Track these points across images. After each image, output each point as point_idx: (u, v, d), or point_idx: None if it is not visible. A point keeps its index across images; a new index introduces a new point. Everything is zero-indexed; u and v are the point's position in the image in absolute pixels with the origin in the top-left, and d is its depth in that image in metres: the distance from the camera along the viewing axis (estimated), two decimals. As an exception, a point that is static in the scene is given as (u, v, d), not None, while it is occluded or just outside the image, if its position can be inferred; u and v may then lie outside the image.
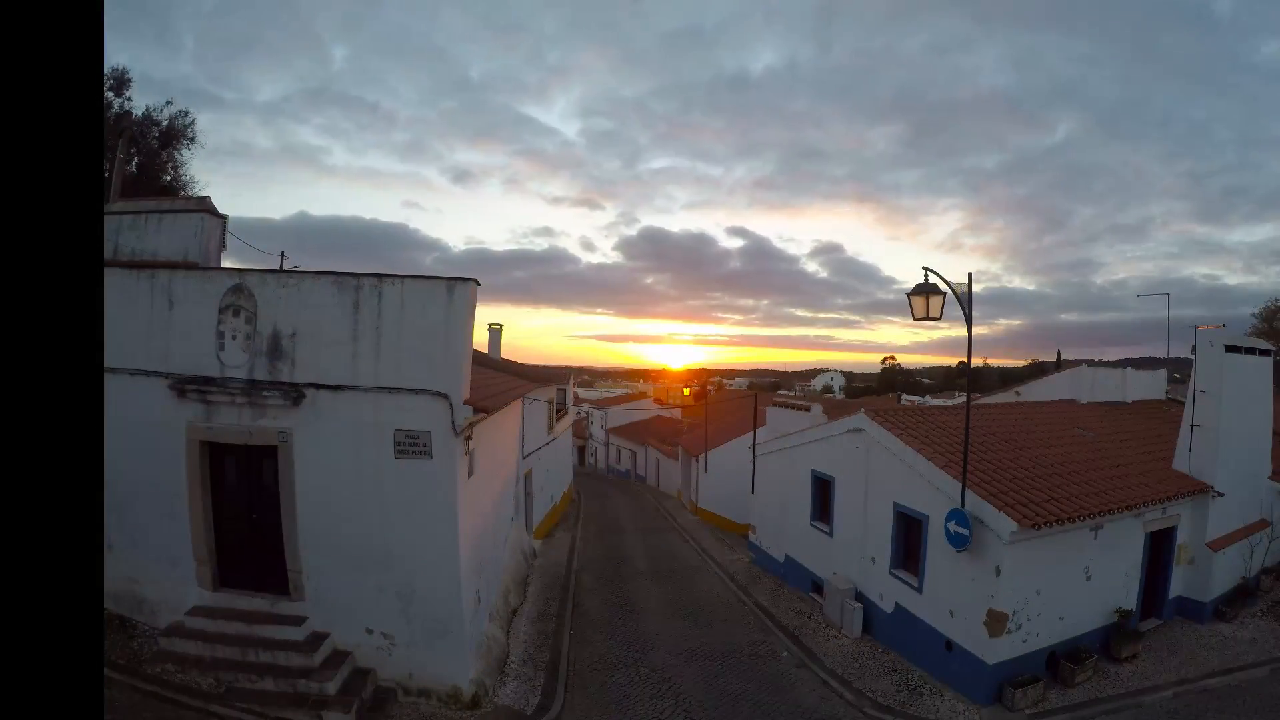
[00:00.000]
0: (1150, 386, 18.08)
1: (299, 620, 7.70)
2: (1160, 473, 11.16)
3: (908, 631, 10.09)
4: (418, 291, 7.61)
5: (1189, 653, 9.78)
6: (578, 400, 45.67)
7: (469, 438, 8.16)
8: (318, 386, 7.66)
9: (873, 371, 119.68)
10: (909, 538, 10.39)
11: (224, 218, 8.51)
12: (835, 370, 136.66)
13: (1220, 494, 10.93)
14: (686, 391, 52.09)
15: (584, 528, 20.92)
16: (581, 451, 45.68)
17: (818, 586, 12.89)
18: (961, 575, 9.00)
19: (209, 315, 7.72)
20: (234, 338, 7.71)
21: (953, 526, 8.74)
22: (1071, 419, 13.75)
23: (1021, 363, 72.17)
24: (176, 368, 7.74)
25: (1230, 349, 11.20)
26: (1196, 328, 11.57)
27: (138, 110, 20.28)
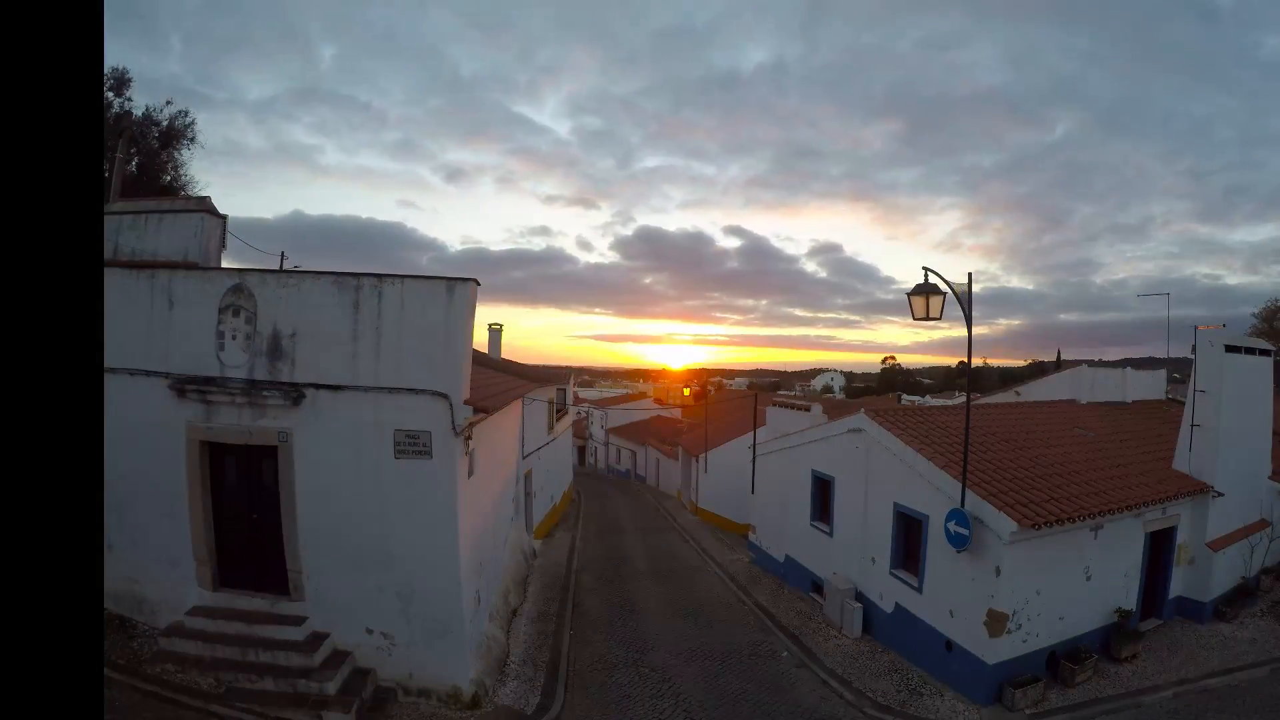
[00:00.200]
0: (1150, 386, 18.08)
1: (299, 620, 7.70)
2: (1160, 473, 11.16)
3: (908, 631, 10.09)
4: (418, 291, 7.61)
5: (1189, 653, 9.78)
6: (578, 400, 45.68)
7: (469, 438, 8.15)
8: (318, 386, 7.66)
9: (873, 371, 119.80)
10: (909, 538, 10.39)
11: (224, 218, 8.51)
12: (835, 370, 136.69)
13: (1220, 494, 10.93)
14: (686, 391, 52.08)
15: (584, 527, 20.93)
16: (581, 451, 45.69)
17: (818, 586, 12.89)
18: (961, 575, 9.00)
19: (209, 315, 7.72)
20: (234, 338, 7.71)
21: (953, 526, 8.74)
22: (1071, 419, 13.75)
23: (1021, 363, 72.22)
24: (176, 368, 7.74)
25: (1230, 349, 11.20)
26: (1196, 328, 11.58)
27: (138, 110, 20.32)
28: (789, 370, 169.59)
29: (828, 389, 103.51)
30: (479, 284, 7.86)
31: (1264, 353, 11.98)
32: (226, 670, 7.19)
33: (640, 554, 17.43)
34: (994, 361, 75.70)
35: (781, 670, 9.82)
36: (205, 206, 8.22)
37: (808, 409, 16.04)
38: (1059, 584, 8.99)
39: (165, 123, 21.14)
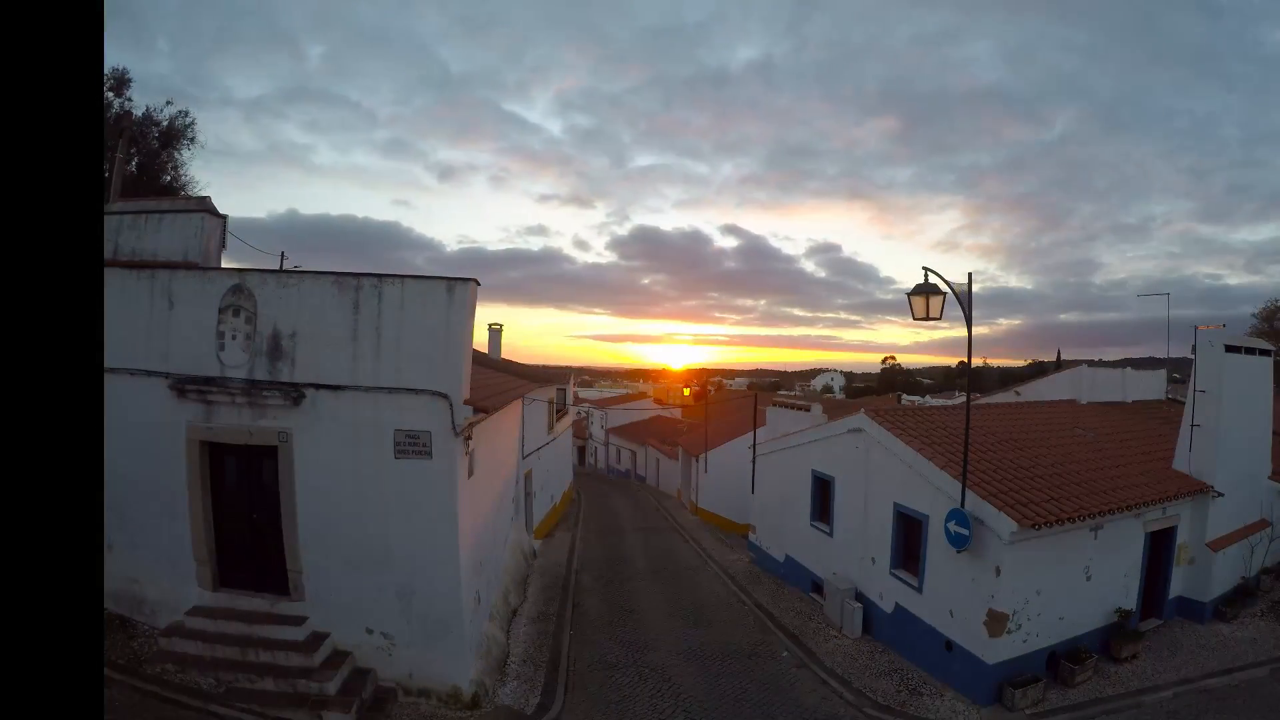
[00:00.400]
0: (1150, 386, 18.08)
1: (299, 620, 7.71)
2: (1160, 473, 11.16)
3: (908, 631, 10.09)
4: (418, 291, 7.61)
5: (1189, 653, 9.78)
6: (578, 400, 45.67)
7: (469, 438, 8.16)
8: (318, 386, 7.66)
9: (873, 371, 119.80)
10: (909, 538, 10.39)
11: (224, 218, 8.51)
12: (835, 370, 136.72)
13: (1220, 494, 10.92)
14: (686, 391, 52.11)
15: (584, 527, 20.92)
16: (581, 451, 45.69)
17: (818, 586, 12.89)
18: (961, 575, 9.00)
19: (209, 315, 7.72)
20: (234, 338, 7.71)
21: (953, 526, 8.74)
22: (1071, 419, 13.75)
23: (1021, 363, 72.25)
24: (176, 368, 7.74)
25: (1230, 349, 11.20)
26: (1196, 328, 11.58)
27: (138, 110, 20.33)
28: (789, 370, 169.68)
29: (828, 389, 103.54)
30: (479, 284, 7.87)
31: (1264, 353, 11.98)
32: (226, 670, 7.19)
33: (640, 554, 17.43)
34: (994, 361, 75.79)
35: (781, 670, 9.82)
36: (205, 206, 8.23)
37: (808, 409, 16.03)
38: (1059, 584, 8.99)
39: (165, 123, 21.17)
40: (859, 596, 11.41)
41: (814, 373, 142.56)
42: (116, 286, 7.61)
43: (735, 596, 13.53)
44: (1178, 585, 10.97)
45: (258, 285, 7.76)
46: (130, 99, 19.81)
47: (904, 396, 52.55)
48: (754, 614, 12.40)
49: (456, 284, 7.62)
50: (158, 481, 7.83)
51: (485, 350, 20.34)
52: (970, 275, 8.42)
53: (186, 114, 21.68)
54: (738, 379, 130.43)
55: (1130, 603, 10.01)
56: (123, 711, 6.33)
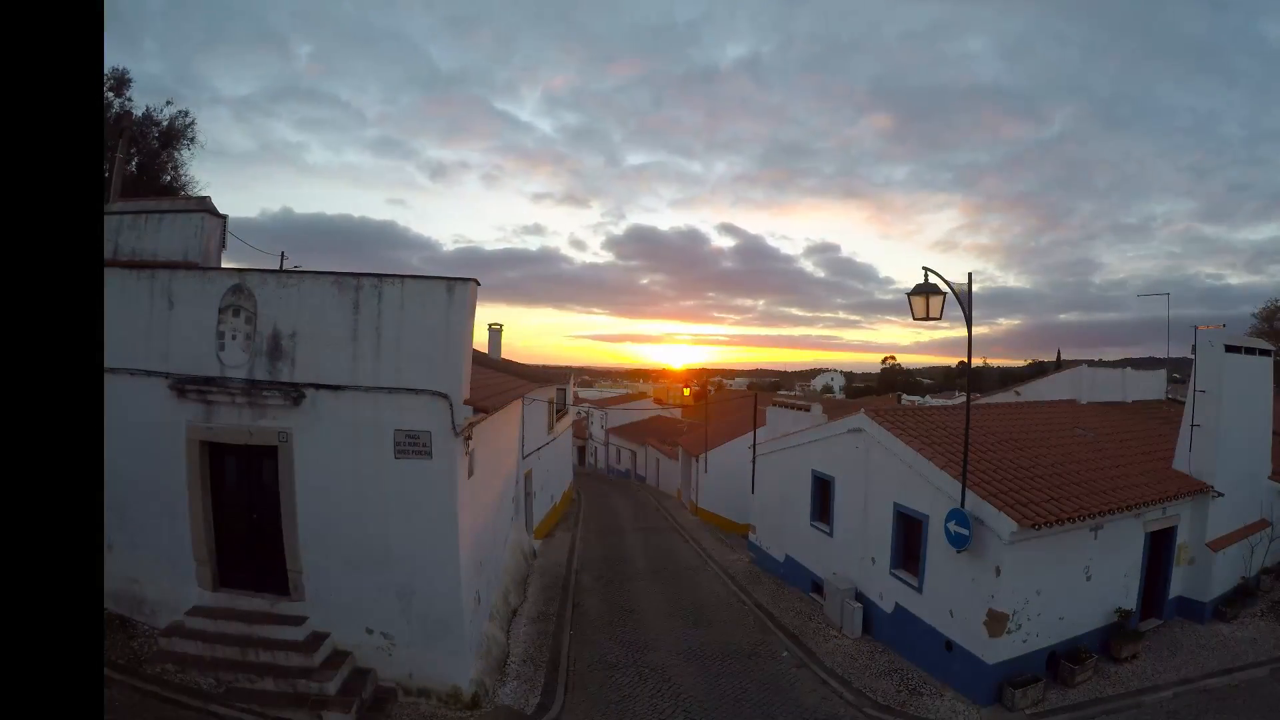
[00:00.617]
0: (1150, 386, 18.08)
1: (299, 620, 7.71)
2: (1160, 473, 11.16)
3: (908, 631, 10.09)
4: (417, 291, 7.61)
5: (1189, 653, 9.78)
6: (577, 400, 45.68)
7: (469, 438, 8.16)
8: (318, 386, 7.66)
9: (873, 371, 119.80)
10: (909, 538, 10.39)
11: (224, 218, 8.51)
12: (835, 370, 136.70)
13: (1220, 494, 10.92)
14: (686, 391, 52.13)
15: (584, 527, 20.92)
16: (581, 451, 45.70)
17: (818, 586, 12.89)
18: (961, 575, 9.00)
19: (209, 315, 7.72)
20: (234, 338, 7.71)
21: (953, 526, 8.74)
22: (1071, 419, 13.75)
23: (1021, 363, 72.21)
24: (176, 368, 7.74)
25: (1230, 349, 11.20)
26: (1196, 328, 11.58)
27: (138, 110, 20.33)
28: (789, 370, 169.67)
29: (827, 389, 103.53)
30: (479, 284, 7.87)
31: (1264, 353, 11.98)
32: (226, 670, 7.19)
33: (640, 554, 17.43)
34: (994, 361, 75.70)
35: (781, 670, 9.82)
36: (205, 206, 8.23)
37: (808, 409, 16.03)
38: (1059, 584, 8.99)
39: (165, 123, 21.17)
40: (859, 596, 11.41)
41: (814, 373, 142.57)
42: (116, 286, 7.61)
43: (735, 596, 13.53)
44: (1178, 585, 10.97)
45: (258, 285, 7.76)
46: (130, 99, 19.85)
47: (904, 396, 52.57)
48: (754, 614, 12.40)
49: (456, 284, 7.62)
50: (158, 481, 7.83)
51: (485, 350, 20.34)
52: (970, 275, 8.43)
53: (186, 114, 21.72)
54: (737, 379, 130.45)
55: (1130, 603, 10.01)
56: (123, 711, 6.33)
